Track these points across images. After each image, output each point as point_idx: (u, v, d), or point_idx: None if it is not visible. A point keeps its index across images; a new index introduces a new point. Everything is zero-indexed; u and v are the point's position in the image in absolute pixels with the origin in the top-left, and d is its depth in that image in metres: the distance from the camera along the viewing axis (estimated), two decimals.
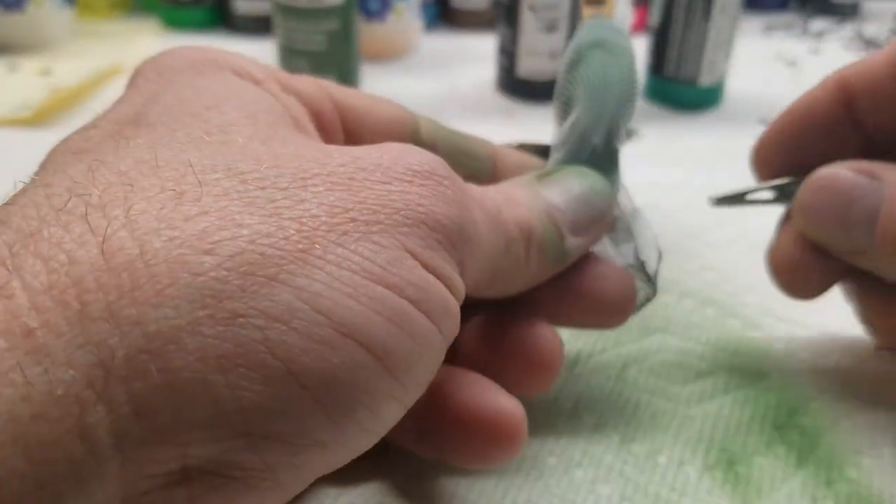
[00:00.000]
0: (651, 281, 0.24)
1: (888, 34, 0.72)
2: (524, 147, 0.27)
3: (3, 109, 0.46)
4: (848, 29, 0.73)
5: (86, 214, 0.13)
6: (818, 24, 0.74)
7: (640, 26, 0.64)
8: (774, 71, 0.61)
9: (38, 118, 0.46)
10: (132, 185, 0.14)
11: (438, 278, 0.16)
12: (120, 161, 0.15)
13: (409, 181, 0.17)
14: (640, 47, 0.54)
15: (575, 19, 0.51)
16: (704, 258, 0.34)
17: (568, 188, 0.22)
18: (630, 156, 0.40)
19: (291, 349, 0.13)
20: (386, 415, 0.15)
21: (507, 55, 0.52)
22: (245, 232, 0.14)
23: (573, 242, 0.22)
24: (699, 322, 0.29)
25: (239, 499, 0.14)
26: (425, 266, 0.16)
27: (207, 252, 0.13)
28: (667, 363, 0.27)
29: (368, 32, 0.59)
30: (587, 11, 0.51)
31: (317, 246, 0.14)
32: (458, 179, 0.18)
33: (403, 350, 0.15)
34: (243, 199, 0.15)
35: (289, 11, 0.49)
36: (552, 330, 0.22)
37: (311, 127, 0.21)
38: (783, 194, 0.26)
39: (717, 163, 0.44)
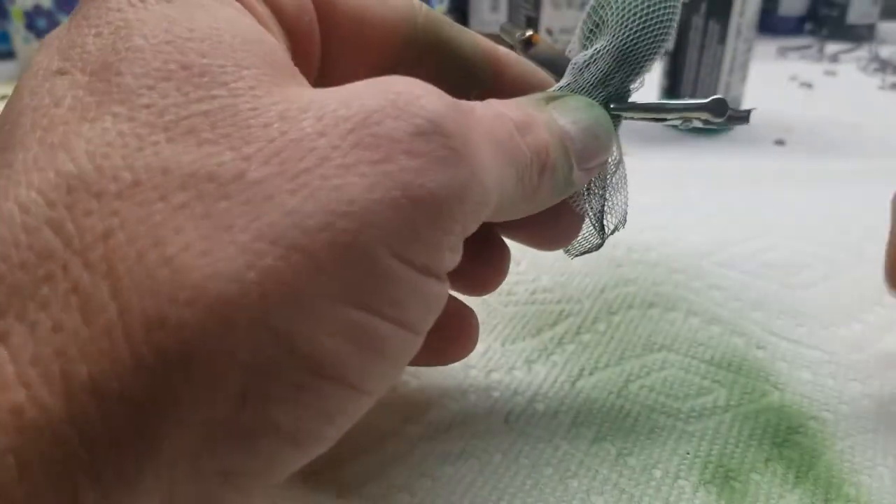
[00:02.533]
0: (602, 235, 0.24)
1: None
2: (510, 32, 0.24)
3: None
4: (864, 50, 0.73)
5: (64, 265, 0.12)
6: (833, 46, 0.74)
7: None
8: (790, 93, 0.62)
9: None
10: (113, 218, 0.13)
11: (431, 275, 0.15)
12: (98, 175, 0.13)
13: (406, 151, 0.14)
14: (656, 70, 0.54)
15: None
16: (712, 277, 0.34)
17: (577, 118, 0.20)
18: (646, 177, 0.40)
19: (268, 398, 0.13)
20: (352, 422, 0.15)
21: None
22: (224, 268, 0.13)
23: (577, 175, 0.20)
24: (704, 340, 0.30)
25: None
26: (416, 268, 0.15)
27: (187, 303, 0.12)
28: (669, 379, 0.27)
29: None
30: None
31: (301, 276, 0.13)
32: (463, 115, 0.16)
33: (377, 371, 0.15)
34: (224, 221, 0.13)
35: None
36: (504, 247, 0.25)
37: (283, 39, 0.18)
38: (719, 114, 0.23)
39: (732, 184, 0.44)
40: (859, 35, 0.76)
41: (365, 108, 0.15)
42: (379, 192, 0.14)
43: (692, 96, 0.51)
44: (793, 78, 0.65)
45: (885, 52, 0.72)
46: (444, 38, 0.22)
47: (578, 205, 0.23)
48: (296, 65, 0.17)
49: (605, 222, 0.23)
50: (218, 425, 0.13)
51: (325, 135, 0.14)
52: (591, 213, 0.23)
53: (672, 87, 0.52)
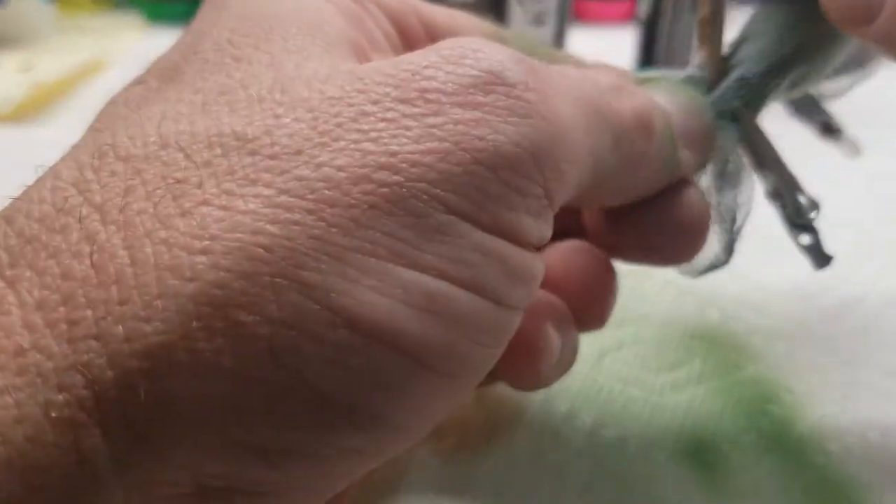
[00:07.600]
0: (730, 244, 0.21)
1: None
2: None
3: None
4: None
5: (80, 218, 0.12)
6: None
7: (628, 18, 0.65)
8: None
9: (18, 114, 0.46)
10: (136, 177, 0.13)
11: (506, 238, 0.13)
12: (130, 142, 0.13)
13: (461, 103, 0.13)
14: (628, 40, 0.54)
15: (564, 13, 0.51)
16: None
17: (672, 95, 0.19)
18: None
19: (301, 356, 0.12)
20: (431, 410, 0.13)
21: None
22: (247, 220, 0.12)
23: (684, 154, 0.19)
24: (679, 312, 0.30)
25: None
26: (483, 227, 0.13)
27: (203, 251, 0.12)
28: (643, 352, 0.27)
29: None
30: None
31: (333, 230, 0.12)
32: (534, 69, 0.14)
33: (443, 341, 0.13)
34: (249, 176, 0.12)
35: None
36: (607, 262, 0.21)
37: (386, 45, 0.17)
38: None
39: None
40: None
41: (412, 65, 0.14)
42: (427, 144, 0.13)
43: (664, 67, 0.51)
44: None
45: None
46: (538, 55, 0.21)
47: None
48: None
49: (733, 228, 0.21)
50: (244, 385, 0.12)
51: (366, 91, 0.13)
52: (720, 219, 0.21)
53: (646, 56, 0.52)
